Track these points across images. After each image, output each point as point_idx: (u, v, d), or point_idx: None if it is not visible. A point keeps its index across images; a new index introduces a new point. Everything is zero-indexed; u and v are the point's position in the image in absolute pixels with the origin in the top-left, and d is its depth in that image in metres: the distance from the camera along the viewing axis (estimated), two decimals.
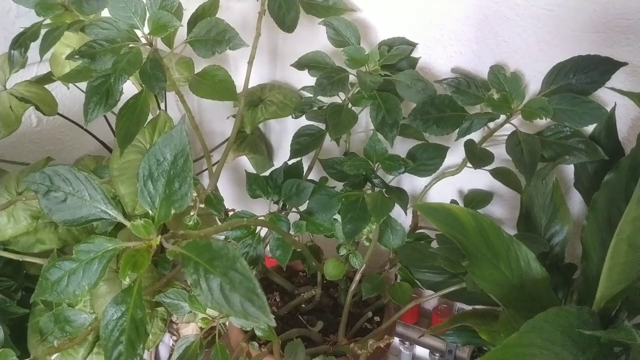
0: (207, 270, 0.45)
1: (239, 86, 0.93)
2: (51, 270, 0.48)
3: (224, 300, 0.44)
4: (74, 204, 0.49)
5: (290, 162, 0.91)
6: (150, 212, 0.48)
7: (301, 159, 0.91)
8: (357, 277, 0.90)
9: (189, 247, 0.46)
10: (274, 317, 0.89)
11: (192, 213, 0.75)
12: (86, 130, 0.91)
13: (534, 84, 0.87)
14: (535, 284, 0.67)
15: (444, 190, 1.01)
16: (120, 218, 0.49)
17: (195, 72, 0.80)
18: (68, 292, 0.48)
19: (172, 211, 0.47)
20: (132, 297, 0.46)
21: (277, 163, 1.19)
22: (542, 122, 0.85)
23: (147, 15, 0.68)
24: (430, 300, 1.13)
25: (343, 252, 0.90)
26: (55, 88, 1.06)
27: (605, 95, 0.83)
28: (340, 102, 0.89)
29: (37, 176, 0.49)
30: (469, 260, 0.65)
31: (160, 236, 0.48)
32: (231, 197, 1.24)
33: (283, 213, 0.85)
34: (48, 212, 0.49)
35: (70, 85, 0.96)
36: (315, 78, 0.85)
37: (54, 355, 0.66)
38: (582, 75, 0.81)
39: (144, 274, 0.82)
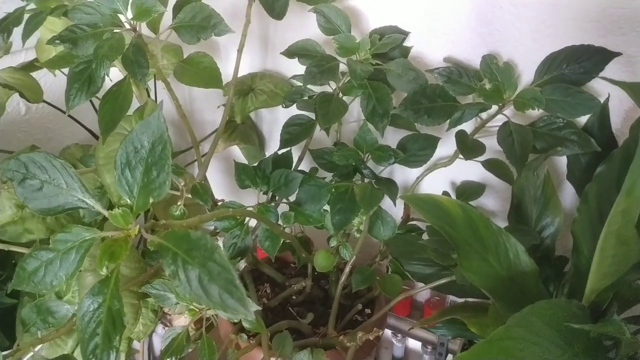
0: (185, 260, 0.44)
1: (229, 74, 0.91)
2: (28, 260, 0.47)
3: (203, 291, 0.43)
4: (50, 192, 0.48)
5: (279, 152, 0.90)
6: (128, 201, 0.47)
7: (291, 149, 0.90)
8: (347, 268, 0.89)
9: (167, 236, 0.45)
10: (263, 309, 0.88)
11: (178, 203, 0.74)
12: (73, 119, 0.90)
13: (527, 74, 0.86)
14: (524, 277, 0.66)
15: (436, 182, 1.00)
16: (98, 207, 0.48)
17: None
18: (45, 282, 0.47)
19: (151, 200, 0.46)
20: (109, 288, 0.45)
21: (269, 153, 1.18)
22: (535, 112, 0.84)
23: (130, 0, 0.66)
24: (423, 292, 1.13)
25: (333, 243, 0.89)
26: (43, 76, 1.05)
27: (599, 86, 0.82)
28: (331, 91, 0.88)
29: (12, 163, 0.48)
30: (458, 252, 0.64)
31: (139, 225, 0.47)
32: (222, 187, 1.23)
33: (272, 204, 0.84)
34: (24, 200, 0.48)
35: (58, 72, 0.95)
36: (306, 66, 0.84)
37: (39, 347, 0.65)
38: (575, 65, 0.80)
39: (131, 264, 0.82)
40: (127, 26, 0.67)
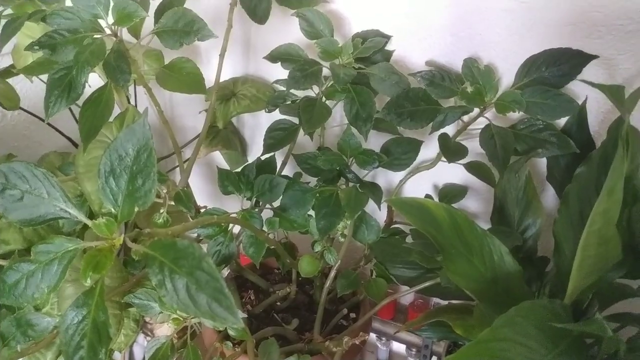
0: (173, 270, 0.43)
1: (211, 80, 0.91)
2: (8, 272, 0.46)
3: (190, 300, 0.43)
4: (32, 203, 0.46)
5: (263, 158, 0.89)
6: (112, 210, 0.46)
7: (274, 154, 0.89)
8: (332, 273, 0.89)
9: (153, 246, 0.44)
10: (247, 316, 0.88)
11: (161, 210, 0.73)
12: (51, 126, 0.88)
13: (507, 77, 0.87)
14: (508, 278, 0.67)
15: (419, 185, 1.01)
16: (81, 217, 0.47)
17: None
18: (27, 295, 0.45)
19: (136, 209, 0.46)
20: (94, 299, 0.44)
21: (252, 158, 1.17)
22: (516, 115, 0.85)
23: (112, 4, 0.65)
24: (407, 295, 1.13)
25: (318, 248, 0.89)
26: (20, 82, 1.02)
27: (577, 88, 0.83)
28: (314, 95, 0.88)
29: None
30: (443, 255, 0.65)
31: (123, 235, 0.46)
32: (204, 193, 1.22)
33: (256, 210, 0.84)
34: (4, 211, 0.46)
35: (35, 78, 0.93)
36: (289, 71, 0.83)
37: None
38: (554, 68, 0.81)
39: (112, 274, 0.80)
40: (108, 31, 0.66)
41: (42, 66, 0.68)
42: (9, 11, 0.77)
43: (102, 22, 0.66)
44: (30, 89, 1.06)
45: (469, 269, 0.66)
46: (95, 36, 0.63)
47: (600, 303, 0.72)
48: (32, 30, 0.82)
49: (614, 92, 0.61)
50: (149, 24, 0.77)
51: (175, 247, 0.44)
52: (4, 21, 0.75)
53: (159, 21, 0.68)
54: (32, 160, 1.02)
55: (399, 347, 1.13)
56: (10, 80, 0.90)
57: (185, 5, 0.86)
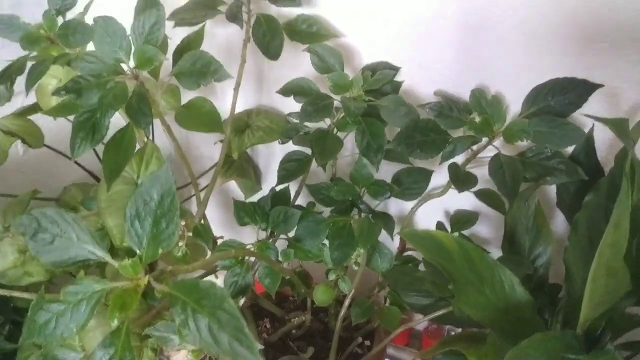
0: (195, 309, 0.45)
1: (226, 112, 0.94)
2: (39, 312, 0.48)
3: (212, 339, 0.45)
4: (62, 245, 0.49)
5: (277, 189, 0.92)
6: (137, 251, 0.48)
7: (288, 186, 0.92)
8: (347, 302, 0.90)
9: (177, 287, 0.46)
10: (264, 346, 0.89)
11: (180, 244, 0.76)
12: (70, 158, 0.91)
13: (514, 105, 0.88)
14: (519, 307, 0.68)
15: (431, 211, 1.02)
16: (108, 259, 0.49)
17: (182, 103, 0.80)
18: (56, 334, 0.48)
19: (160, 250, 0.48)
20: (121, 339, 0.47)
21: (266, 186, 1.20)
22: (524, 142, 0.86)
23: (133, 49, 0.68)
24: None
25: (332, 277, 0.90)
26: (41, 117, 1.06)
27: (584, 115, 0.85)
28: (326, 127, 0.90)
29: (24, 219, 0.49)
30: (455, 286, 0.66)
31: (148, 275, 0.49)
32: (220, 221, 1.24)
33: (271, 240, 0.86)
34: (36, 253, 0.49)
35: None
36: (301, 105, 0.86)
37: None
38: (560, 97, 0.83)
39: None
40: (129, 74, 0.69)
41: (66, 108, 0.71)
42: (34, 53, 0.80)
43: (123, 65, 0.70)
44: (52, 124, 1.10)
45: (480, 299, 0.67)
46: (117, 79, 0.66)
47: (613, 332, 0.73)
48: (55, 71, 0.85)
49: (617, 125, 0.63)
50: (168, 62, 0.80)
51: (198, 287, 0.46)
52: (30, 63, 0.79)
53: (177, 63, 0.71)
54: (54, 192, 1.06)
55: None
56: (33, 116, 0.93)
57: (202, 41, 0.91)
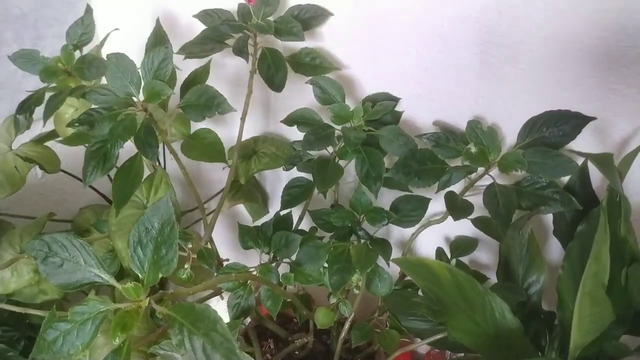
0: (191, 330, 0.49)
1: (234, 139, 0.98)
2: (48, 331, 0.52)
3: (206, 359, 0.48)
4: (70, 269, 0.53)
5: (281, 213, 0.95)
6: (140, 275, 0.52)
7: (291, 210, 0.95)
8: (347, 325, 0.92)
9: (175, 309, 0.50)
10: None
11: (185, 266, 0.79)
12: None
13: (510, 137, 0.91)
14: (509, 334, 0.70)
15: (431, 237, 1.05)
16: (113, 282, 0.53)
17: (189, 133, 0.85)
18: (63, 351, 0.51)
19: (160, 275, 0.51)
20: (122, 357, 0.50)
21: (273, 210, 1.24)
22: (520, 173, 0.89)
23: (142, 83, 0.73)
24: (422, 346, 1.16)
25: (333, 300, 0.93)
26: (58, 143, 1.12)
27: (579, 147, 0.87)
28: (328, 154, 0.94)
29: (36, 244, 0.54)
30: (446, 312, 0.69)
31: (149, 298, 0.52)
32: (228, 243, 1.28)
33: (274, 264, 0.89)
34: (46, 276, 0.53)
35: None
36: (304, 134, 0.90)
37: None
38: (554, 128, 0.86)
39: (140, 325, 0.86)
40: (139, 107, 0.74)
41: (80, 137, 0.76)
42: (53, 84, 0.86)
43: (133, 98, 0.74)
44: (69, 150, 1.15)
45: (471, 326, 0.69)
46: (127, 112, 0.71)
47: None
48: (72, 100, 0.91)
49: (600, 161, 0.65)
50: (177, 95, 0.85)
51: (194, 310, 0.49)
52: (48, 94, 0.84)
53: (184, 97, 0.76)
54: (70, 214, 1.11)
55: None
56: (50, 142, 0.99)
57: (210, 73, 0.96)
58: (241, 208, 1.27)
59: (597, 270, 0.58)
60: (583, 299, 0.62)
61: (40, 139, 0.96)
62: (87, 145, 0.73)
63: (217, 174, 1.30)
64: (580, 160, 0.85)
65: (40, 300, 0.93)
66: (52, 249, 0.53)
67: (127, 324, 0.50)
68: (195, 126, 0.94)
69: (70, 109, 0.92)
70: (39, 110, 0.87)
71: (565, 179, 0.88)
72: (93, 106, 0.72)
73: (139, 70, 0.75)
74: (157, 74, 0.73)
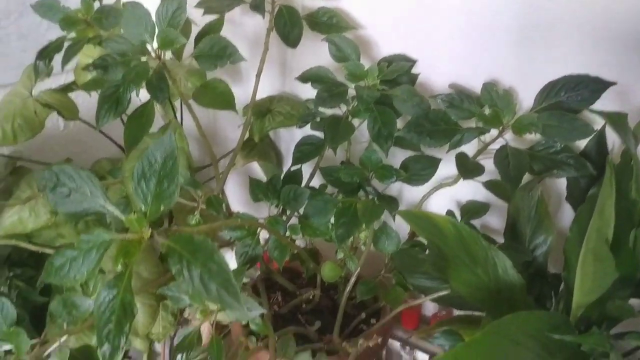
0: (189, 260, 0.50)
1: (249, 97, 0.99)
2: (55, 257, 0.54)
3: (203, 288, 0.50)
4: (77, 199, 0.55)
5: (292, 169, 0.96)
6: (142, 207, 0.54)
7: (301, 167, 0.96)
8: (352, 279, 0.94)
9: (174, 239, 0.51)
10: (273, 314, 0.94)
11: (195, 213, 0.81)
12: (104, 134, 0.98)
13: (527, 102, 0.90)
14: (512, 290, 0.70)
15: (443, 201, 1.05)
16: (117, 212, 0.55)
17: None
18: (69, 276, 0.54)
19: (162, 207, 0.53)
20: (123, 282, 0.52)
21: (287, 169, 1.25)
22: (535, 137, 0.88)
23: (157, 31, 0.74)
24: (430, 307, 1.17)
25: (340, 255, 0.94)
26: (79, 95, 1.14)
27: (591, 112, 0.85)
28: (341, 114, 0.94)
29: (45, 173, 0.56)
30: (448, 265, 0.69)
31: (151, 229, 0.54)
32: (241, 200, 1.30)
33: (284, 217, 0.91)
34: (54, 205, 0.55)
35: (93, 93, 1.04)
36: (317, 91, 0.90)
37: (64, 338, 0.72)
38: (572, 93, 0.84)
39: (151, 268, 0.89)
40: (153, 55, 0.75)
41: (97, 83, 0.78)
42: (73, 34, 0.88)
43: (148, 46, 0.76)
44: (89, 102, 1.18)
45: (472, 279, 0.70)
46: (142, 59, 0.73)
47: (607, 321, 0.74)
48: (91, 51, 0.93)
49: (614, 120, 0.64)
50: (191, 45, 0.86)
51: (193, 241, 0.51)
52: (67, 44, 0.86)
53: (197, 46, 0.77)
54: (86, 165, 1.14)
55: (423, 357, 1.16)
56: (72, 94, 1.01)
57: (229, 31, 0.96)
58: (256, 167, 1.29)
59: (600, 225, 0.57)
60: (586, 255, 0.61)
61: (60, 89, 0.99)
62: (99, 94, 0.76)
63: (233, 133, 1.31)
64: (597, 126, 0.84)
65: (59, 243, 0.97)
66: (60, 179, 0.56)
67: (129, 252, 0.52)
68: None
69: (90, 59, 0.94)
70: (58, 67, 0.89)
71: (582, 146, 0.87)
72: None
73: (154, 19, 0.76)
74: (171, 23, 0.74)
